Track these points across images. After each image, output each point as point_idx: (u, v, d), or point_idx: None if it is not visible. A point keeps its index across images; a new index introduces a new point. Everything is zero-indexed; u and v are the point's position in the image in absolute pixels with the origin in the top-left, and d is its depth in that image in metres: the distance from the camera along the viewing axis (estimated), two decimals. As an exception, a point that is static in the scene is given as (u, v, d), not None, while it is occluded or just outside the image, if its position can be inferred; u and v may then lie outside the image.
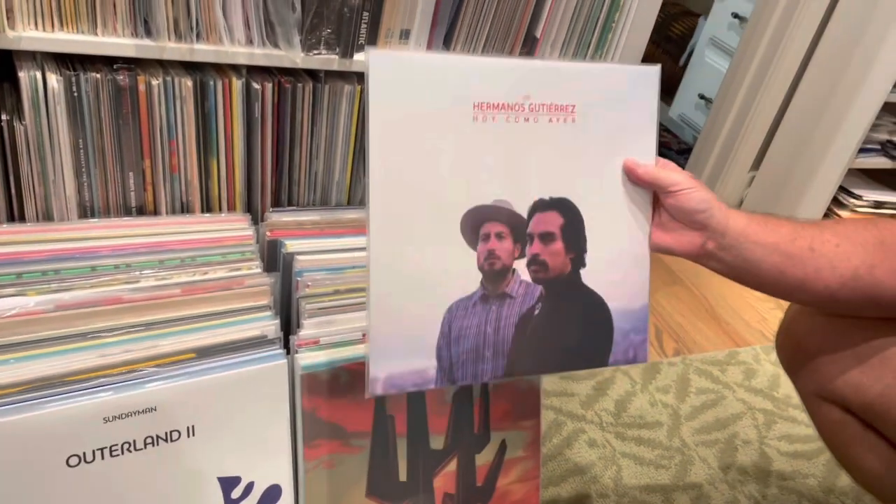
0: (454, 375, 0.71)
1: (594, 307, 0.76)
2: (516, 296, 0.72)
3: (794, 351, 0.86)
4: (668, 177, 0.73)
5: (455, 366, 0.70)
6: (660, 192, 0.75)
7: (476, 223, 0.70)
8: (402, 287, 0.68)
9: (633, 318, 0.78)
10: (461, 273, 0.70)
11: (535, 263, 0.73)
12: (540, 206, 0.72)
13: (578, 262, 0.75)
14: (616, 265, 0.76)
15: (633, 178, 0.75)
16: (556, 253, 0.73)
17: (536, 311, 0.73)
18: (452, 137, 0.68)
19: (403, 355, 0.68)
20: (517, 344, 0.73)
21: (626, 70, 0.75)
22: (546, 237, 0.73)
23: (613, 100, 0.74)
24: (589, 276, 0.75)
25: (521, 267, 0.72)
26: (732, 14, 2.42)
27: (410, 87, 0.66)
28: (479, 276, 0.71)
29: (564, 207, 0.73)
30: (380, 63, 0.64)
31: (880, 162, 2.19)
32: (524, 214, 0.72)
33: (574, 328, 0.75)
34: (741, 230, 0.72)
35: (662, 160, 0.76)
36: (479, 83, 0.68)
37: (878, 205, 2.23)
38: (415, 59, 0.67)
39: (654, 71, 0.75)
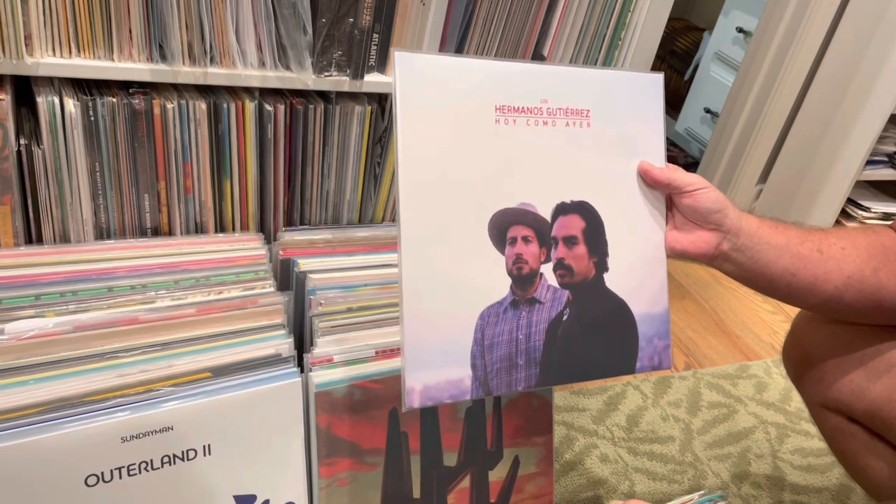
0: (489, 385, 0.70)
1: (619, 312, 0.76)
2: (545, 301, 0.72)
3: (800, 361, 0.86)
4: (684, 177, 0.74)
5: (489, 375, 0.70)
6: (675, 193, 0.76)
7: (502, 226, 0.70)
8: (434, 294, 0.67)
9: (655, 322, 0.78)
10: (491, 278, 0.70)
11: (560, 267, 0.73)
12: (562, 210, 0.73)
13: (601, 266, 0.75)
14: (636, 270, 0.77)
15: (648, 179, 0.76)
16: (580, 257, 0.74)
17: (565, 317, 0.73)
18: (477, 140, 0.69)
19: (438, 365, 0.67)
20: (548, 350, 0.73)
21: (633, 77, 0.77)
22: (570, 241, 0.73)
23: (624, 105, 0.76)
24: (611, 281, 0.76)
25: (547, 271, 0.73)
26: (737, 29, 2.43)
27: (436, 89, 0.67)
28: (509, 280, 0.71)
29: (585, 211, 0.74)
30: (406, 63, 0.65)
31: (888, 174, 2.18)
32: (548, 218, 0.72)
33: (601, 334, 0.75)
34: (754, 231, 0.73)
35: (671, 165, 0.77)
36: (500, 86, 0.70)
37: (887, 216, 2.22)
38: (439, 60, 0.68)
39: (659, 78, 0.78)
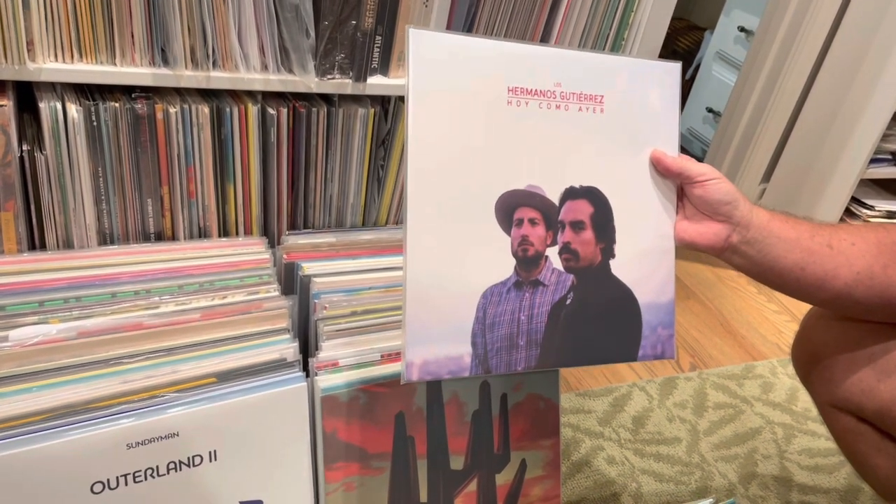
0: (489, 363, 0.70)
1: (624, 299, 0.76)
2: (549, 283, 0.72)
3: (809, 360, 0.86)
4: (696, 167, 0.74)
5: (490, 353, 0.70)
6: (686, 183, 0.75)
7: (509, 208, 0.70)
8: (438, 270, 0.67)
9: (660, 312, 0.78)
10: (495, 258, 0.70)
11: (566, 252, 0.73)
12: (571, 194, 0.73)
13: (608, 252, 0.75)
14: (643, 258, 0.76)
15: (661, 168, 0.75)
16: (586, 242, 0.74)
17: (568, 301, 0.73)
18: (488, 120, 0.69)
19: (439, 340, 0.67)
20: (549, 333, 0.72)
21: (650, 65, 0.76)
22: (577, 225, 0.73)
23: (639, 93, 0.75)
24: (617, 268, 0.75)
25: (552, 255, 0.72)
26: (738, 28, 2.42)
27: (449, 66, 0.67)
28: (513, 261, 0.70)
29: (594, 196, 0.74)
30: (420, 41, 0.65)
31: (892, 172, 2.18)
32: (556, 201, 0.72)
33: (604, 320, 0.75)
34: (765, 224, 0.73)
35: (683, 155, 0.77)
36: (514, 68, 0.69)
37: (891, 214, 2.22)
38: (454, 39, 0.68)
39: (676, 67, 0.77)
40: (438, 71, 0.66)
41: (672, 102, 0.77)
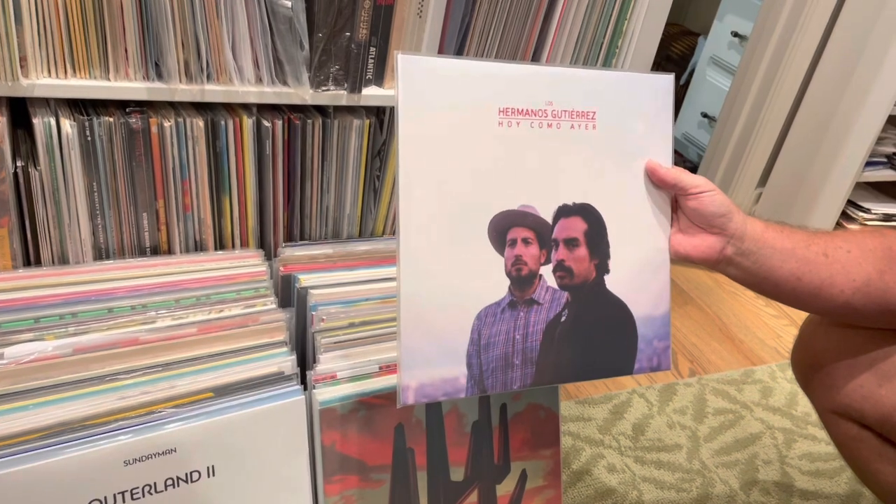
0: (485, 384, 0.70)
1: (619, 314, 0.76)
2: (543, 302, 0.72)
3: (809, 366, 0.86)
4: (690, 179, 0.74)
5: (485, 374, 0.70)
6: (681, 195, 0.75)
7: (503, 228, 0.70)
8: (431, 293, 0.67)
9: (655, 324, 0.77)
10: (489, 279, 0.70)
11: (560, 269, 0.73)
12: (564, 212, 0.73)
13: (602, 268, 0.75)
14: (638, 272, 0.76)
15: (655, 178, 0.75)
16: (580, 259, 0.73)
17: (563, 318, 0.73)
18: (479, 142, 0.68)
19: (434, 363, 0.67)
20: (545, 351, 0.72)
21: (643, 78, 0.76)
22: (571, 243, 0.73)
23: (632, 107, 0.75)
24: (612, 283, 0.75)
25: (547, 273, 0.72)
26: (732, 33, 2.43)
27: (439, 91, 0.66)
28: (507, 281, 0.70)
29: (587, 213, 0.74)
30: (409, 67, 0.65)
31: (887, 175, 2.18)
32: (549, 220, 0.72)
33: (600, 335, 0.75)
34: (759, 235, 0.73)
35: (677, 167, 0.76)
36: (504, 89, 0.69)
37: (887, 217, 2.22)
38: (443, 63, 0.67)
39: (669, 80, 0.77)
40: (428, 96, 0.66)
41: (665, 115, 0.76)
